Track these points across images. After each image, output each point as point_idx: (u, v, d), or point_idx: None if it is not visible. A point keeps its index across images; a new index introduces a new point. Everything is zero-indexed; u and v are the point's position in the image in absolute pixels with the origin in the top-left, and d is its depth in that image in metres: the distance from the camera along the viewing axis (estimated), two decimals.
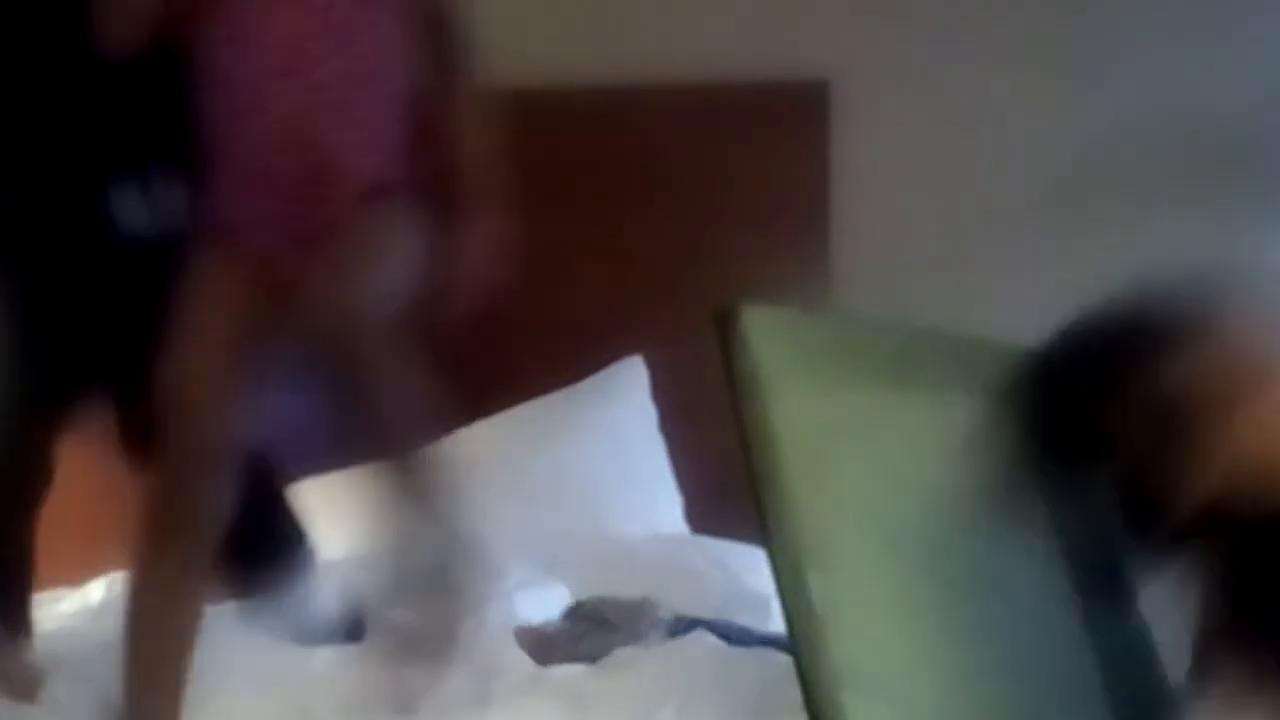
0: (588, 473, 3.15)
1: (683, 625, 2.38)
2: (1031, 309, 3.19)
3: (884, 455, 1.49)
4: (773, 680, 1.86)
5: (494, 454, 3.12)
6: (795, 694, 1.57)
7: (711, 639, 2.28)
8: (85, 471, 3.40)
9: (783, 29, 3.42)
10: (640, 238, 3.38)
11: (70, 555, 3.17)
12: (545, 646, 2.26)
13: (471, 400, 3.23)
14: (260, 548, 2.64)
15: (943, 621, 1.38)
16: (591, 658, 2.23)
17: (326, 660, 2.44)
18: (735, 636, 2.24)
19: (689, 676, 2.06)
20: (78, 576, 3.08)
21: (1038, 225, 3.33)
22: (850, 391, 1.49)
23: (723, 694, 1.95)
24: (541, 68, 3.44)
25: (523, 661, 2.30)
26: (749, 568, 2.79)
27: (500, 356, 3.38)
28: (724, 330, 1.44)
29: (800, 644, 1.34)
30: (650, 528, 3.11)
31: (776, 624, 2.48)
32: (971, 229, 3.34)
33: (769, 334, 1.43)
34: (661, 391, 3.32)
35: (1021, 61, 3.33)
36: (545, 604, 2.63)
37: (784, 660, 1.83)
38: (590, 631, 2.36)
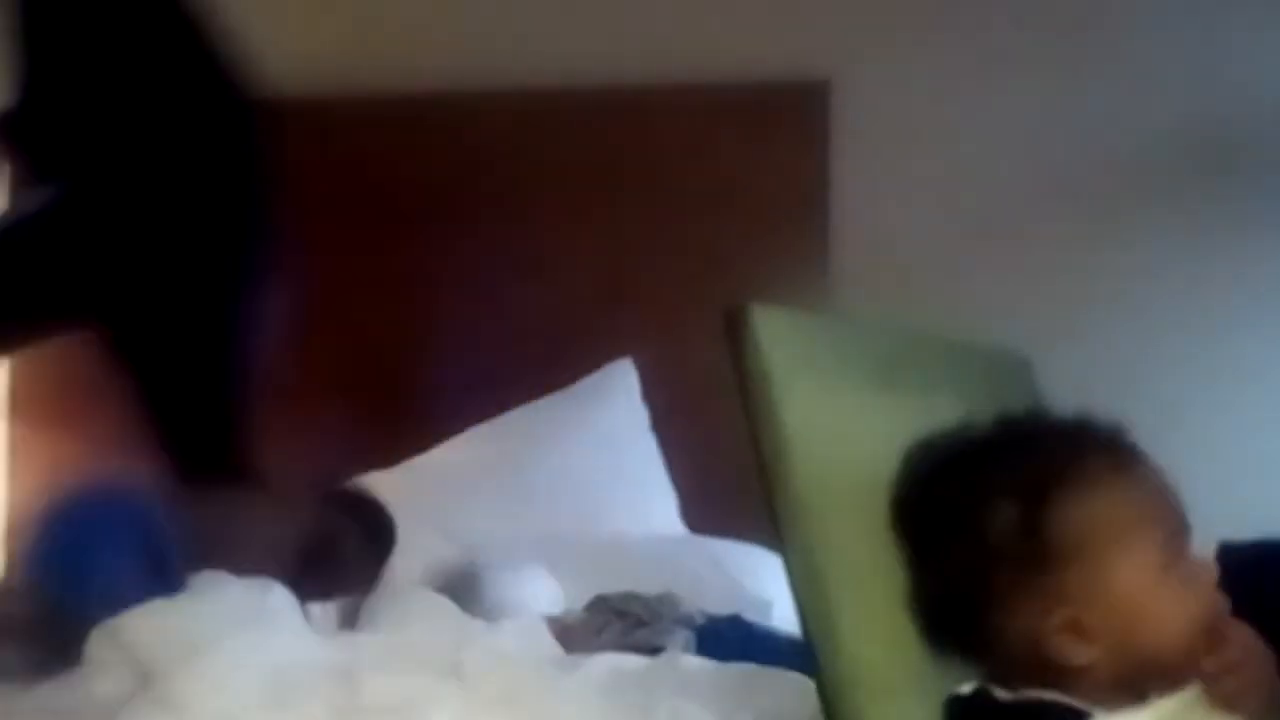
0: (581, 475, 3.15)
1: (709, 621, 2.36)
2: (1031, 309, 3.24)
3: (892, 457, 1.50)
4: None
5: (487, 459, 3.12)
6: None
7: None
8: (90, 474, 3.41)
9: (783, 29, 3.42)
10: (639, 238, 3.38)
11: None
12: (564, 636, 2.24)
13: (463, 406, 3.25)
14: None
15: None
16: (611, 649, 2.21)
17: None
18: (758, 638, 2.21)
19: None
20: None
21: (1037, 225, 3.34)
22: (858, 393, 1.50)
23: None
24: (542, 68, 3.45)
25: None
26: (745, 568, 2.79)
27: (496, 357, 3.38)
28: (734, 331, 1.44)
29: (817, 645, 1.35)
30: (645, 528, 3.11)
31: (777, 624, 2.49)
32: (971, 229, 3.34)
33: (779, 335, 1.43)
34: (654, 392, 3.32)
35: (1021, 62, 3.34)
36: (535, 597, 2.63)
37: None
38: (611, 624, 2.34)
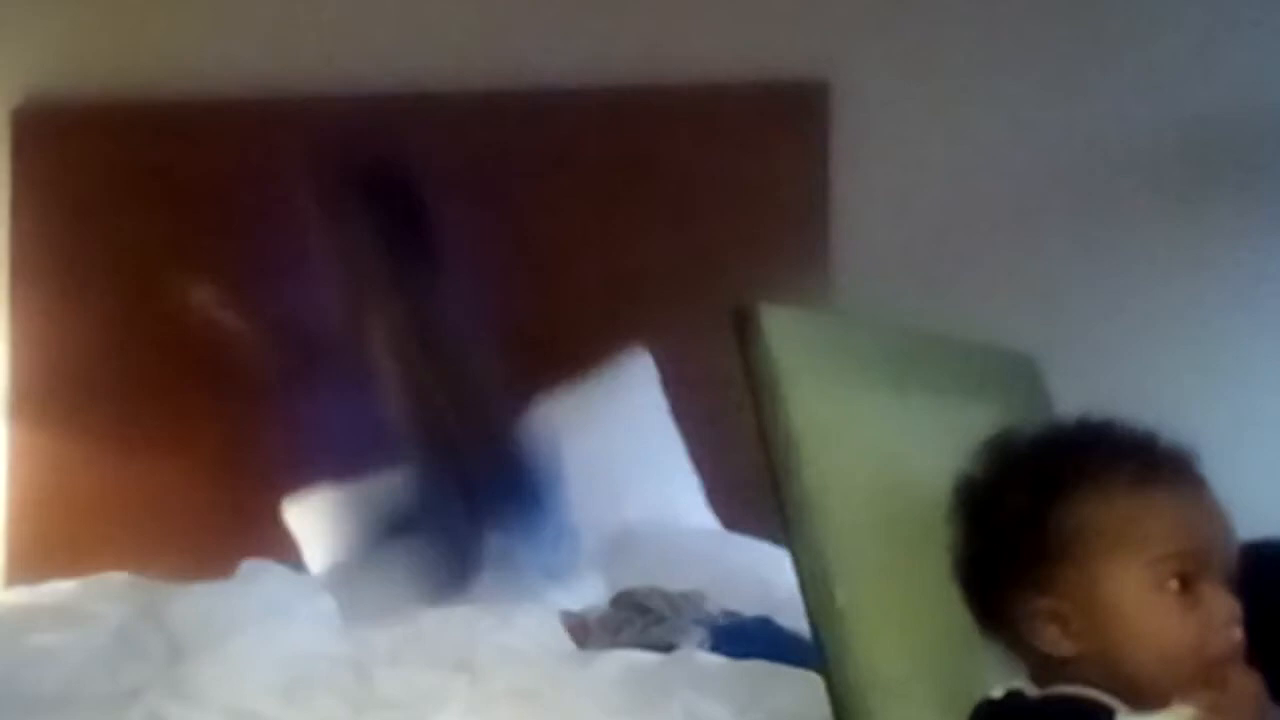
0: (604, 464, 3.12)
1: (732, 621, 2.35)
2: (1031, 309, 3.24)
3: (899, 456, 1.50)
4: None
5: None
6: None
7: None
8: (90, 473, 3.42)
9: (783, 29, 3.43)
10: (640, 238, 3.38)
11: (73, 553, 3.18)
12: (582, 632, 2.24)
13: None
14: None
15: (964, 620, 1.39)
16: (627, 646, 2.20)
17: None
18: (785, 639, 2.20)
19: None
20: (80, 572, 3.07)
21: (1037, 225, 3.34)
22: (865, 392, 1.50)
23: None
24: (542, 68, 3.45)
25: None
26: (778, 566, 2.77)
27: (500, 356, 3.38)
28: (742, 330, 1.44)
29: (826, 645, 1.35)
30: (671, 515, 3.09)
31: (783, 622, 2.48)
32: (971, 229, 3.35)
33: (786, 334, 1.43)
34: (663, 391, 3.32)
35: (1021, 62, 3.34)
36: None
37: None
38: (631, 620, 2.33)
